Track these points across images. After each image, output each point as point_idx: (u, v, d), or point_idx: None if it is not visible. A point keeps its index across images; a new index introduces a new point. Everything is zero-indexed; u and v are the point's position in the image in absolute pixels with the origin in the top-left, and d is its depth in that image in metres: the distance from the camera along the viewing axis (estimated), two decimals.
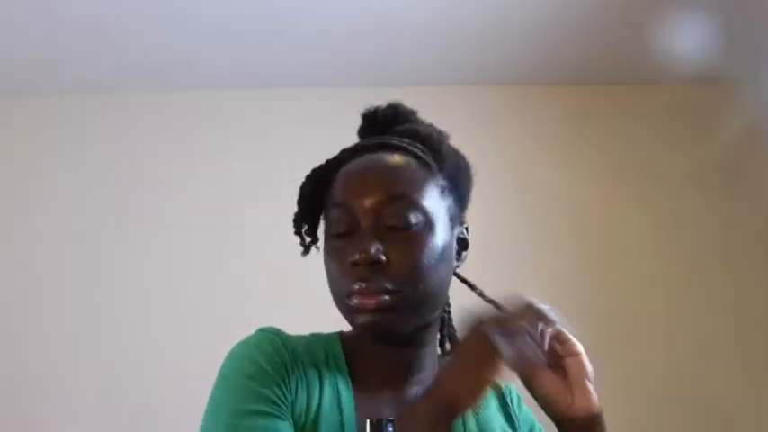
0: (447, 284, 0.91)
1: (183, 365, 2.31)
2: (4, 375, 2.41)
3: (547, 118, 2.66)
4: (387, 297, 0.83)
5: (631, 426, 2.34)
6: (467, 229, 0.96)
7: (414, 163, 0.89)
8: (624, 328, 2.47)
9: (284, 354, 0.85)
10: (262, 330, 0.89)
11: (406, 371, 0.90)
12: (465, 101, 2.61)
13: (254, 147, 2.62)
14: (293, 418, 0.82)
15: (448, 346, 0.98)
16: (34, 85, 2.59)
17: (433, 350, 0.94)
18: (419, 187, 0.87)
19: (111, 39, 2.37)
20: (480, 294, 0.92)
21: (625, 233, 2.59)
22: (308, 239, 0.94)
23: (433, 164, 0.91)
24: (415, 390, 0.90)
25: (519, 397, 1.01)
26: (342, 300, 0.86)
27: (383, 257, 0.83)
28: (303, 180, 0.93)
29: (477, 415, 0.94)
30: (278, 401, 0.82)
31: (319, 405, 0.84)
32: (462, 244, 0.95)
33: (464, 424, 0.91)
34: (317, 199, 0.92)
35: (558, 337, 0.84)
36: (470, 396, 0.77)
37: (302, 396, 0.84)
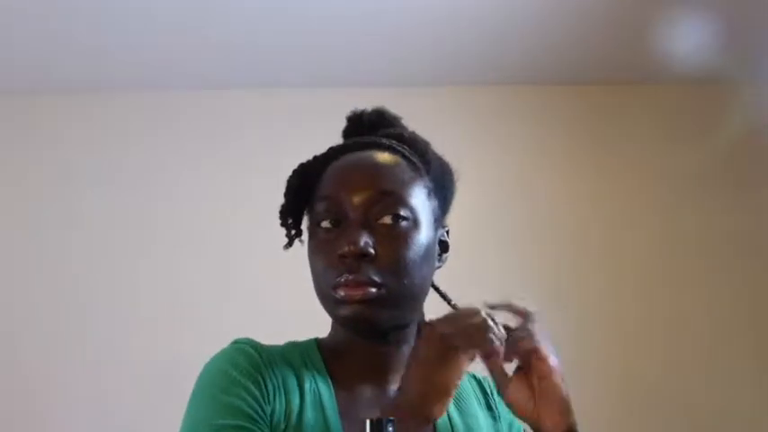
0: (429, 283, 0.92)
1: (172, 365, 2.30)
2: None
3: (547, 118, 2.66)
4: (373, 289, 0.84)
5: (635, 426, 2.36)
6: (447, 232, 0.97)
7: (403, 163, 0.91)
8: (628, 329, 2.47)
9: (258, 364, 0.85)
10: (235, 342, 0.89)
11: (386, 369, 0.91)
12: (465, 101, 2.61)
13: (244, 146, 2.62)
14: (272, 427, 0.82)
15: None
16: (22, 86, 2.59)
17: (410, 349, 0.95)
18: (408, 186, 0.89)
19: (104, 36, 2.37)
20: (452, 305, 0.92)
21: (626, 232, 2.59)
22: (292, 232, 0.94)
23: (421, 166, 0.92)
24: (396, 388, 0.90)
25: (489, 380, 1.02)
26: (326, 292, 0.87)
27: (372, 250, 0.84)
28: (290, 173, 0.93)
29: (460, 407, 0.94)
30: (254, 414, 0.81)
31: (300, 410, 0.84)
32: (443, 246, 0.95)
33: (449, 417, 0.92)
34: (304, 193, 0.92)
35: (537, 354, 0.83)
36: (436, 399, 0.78)
37: (280, 403, 0.84)
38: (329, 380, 0.89)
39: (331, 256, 0.86)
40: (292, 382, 0.86)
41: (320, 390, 0.87)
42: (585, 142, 2.66)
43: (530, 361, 0.83)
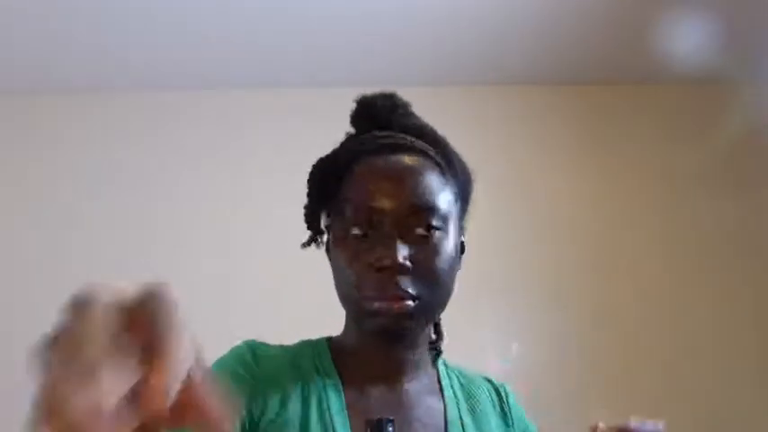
0: (454, 287, 0.91)
1: None
2: None
3: (547, 118, 2.66)
4: (410, 302, 0.83)
5: None
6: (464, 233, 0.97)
7: (432, 168, 0.89)
8: (628, 329, 2.47)
9: (252, 369, 0.84)
10: (235, 347, 0.88)
11: (399, 372, 0.90)
12: (465, 101, 2.61)
13: (244, 146, 2.62)
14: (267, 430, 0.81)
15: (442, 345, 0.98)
16: (22, 86, 2.59)
17: (425, 349, 0.94)
18: (440, 193, 0.87)
19: (104, 36, 2.37)
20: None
21: (626, 232, 2.59)
22: (318, 236, 0.93)
23: (447, 170, 0.91)
24: (411, 388, 0.90)
25: (512, 394, 1.01)
26: (357, 302, 0.85)
27: (409, 264, 0.83)
28: (313, 169, 0.91)
29: (473, 411, 0.93)
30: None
31: (305, 417, 0.83)
32: (462, 248, 0.95)
33: (461, 420, 0.91)
34: (326, 190, 0.90)
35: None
36: None
37: (274, 406, 0.83)
38: (339, 383, 0.87)
39: (365, 266, 0.84)
40: (295, 389, 0.85)
41: (329, 395, 0.86)
42: (585, 142, 2.66)
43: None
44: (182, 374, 0.39)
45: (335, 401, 0.85)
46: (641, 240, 2.58)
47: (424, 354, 0.93)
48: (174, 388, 0.38)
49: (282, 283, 2.35)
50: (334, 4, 2.25)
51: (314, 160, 0.93)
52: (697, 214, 2.56)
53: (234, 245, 2.52)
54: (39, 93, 2.62)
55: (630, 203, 2.61)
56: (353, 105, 0.95)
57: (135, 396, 0.37)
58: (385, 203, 0.85)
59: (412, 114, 0.97)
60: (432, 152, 0.90)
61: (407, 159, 0.88)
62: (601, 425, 0.83)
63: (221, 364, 0.86)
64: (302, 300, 2.15)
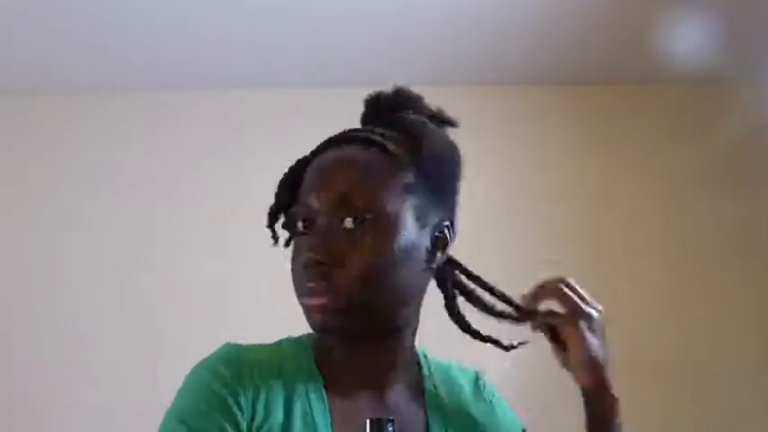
0: (411, 286, 0.86)
1: (172, 365, 2.30)
2: None
3: (547, 118, 2.66)
4: (327, 300, 0.80)
5: (643, 428, 2.35)
6: (448, 227, 0.89)
7: (376, 158, 0.84)
8: (628, 328, 2.46)
9: (239, 376, 0.82)
10: (213, 355, 0.86)
11: (381, 375, 0.88)
12: (465, 101, 2.59)
13: (244, 146, 2.62)
14: None
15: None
16: (22, 86, 2.59)
17: (410, 350, 0.92)
18: (376, 185, 0.82)
19: (104, 36, 2.37)
20: (490, 290, 0.93)
21: (626, 232, 2.59)
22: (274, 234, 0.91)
23: (405, 158, 0.85)
24: (395, 391, 0.88)
25: (490, 384, 1.00)
26: (299, 299, 0.85)
27: (326, 260, 0.80)
28: (281, 176, 0.90)
29: (456, 417, 0.91)
30: None
31: (287, 425, 0.81)
32: (440, 243, 0.88)
33: (438, 400, 0.90)
34: (290, 194, 0.88)
35: (562, 319, 0.94)
36: None
37: (260, 413, 0.81)
38: (323, 389, 0.85)
39: (298, 262, 0.83)
40: (277, 396, 0.83)
41: (311, 401, 0.84)
42: (585, 142, 2.66)
43: (558, 328, 0.93)
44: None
45: (319, 412, 0.83)
46: (641, 240, 2.58)
47: (408, 354, 0.91)
48: None
49: (282, 284, 2.34)
50: (335, 4, 2.25)
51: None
52: (697, 214, 2.56)
53: (234, 245, 2.52)
54: (39, 93, 2.61)
55: (630, 203, 2.61)
56: (364, 103, 0.94)
57: None
58: (315, 198, 0.83)
59: (420, 107, 0.93)
60: (387, 141, 0.85)
61: (345, 151, 0.85)
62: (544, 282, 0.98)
63: (198, 378, 0.83)
64: None
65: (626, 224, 2.59)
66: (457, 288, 0.95)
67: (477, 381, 0.99)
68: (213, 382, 0.81)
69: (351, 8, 2.26)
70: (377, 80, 2.77)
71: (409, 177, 0.85)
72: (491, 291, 0.94)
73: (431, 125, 0.90)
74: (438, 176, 0.88)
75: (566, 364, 0.94)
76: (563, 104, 2.66)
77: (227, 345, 0.87)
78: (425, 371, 0.94)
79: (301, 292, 0.83)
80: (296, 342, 0.91)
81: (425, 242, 0.86)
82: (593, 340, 0.91)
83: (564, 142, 2.65)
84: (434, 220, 0.87)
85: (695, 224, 2.56)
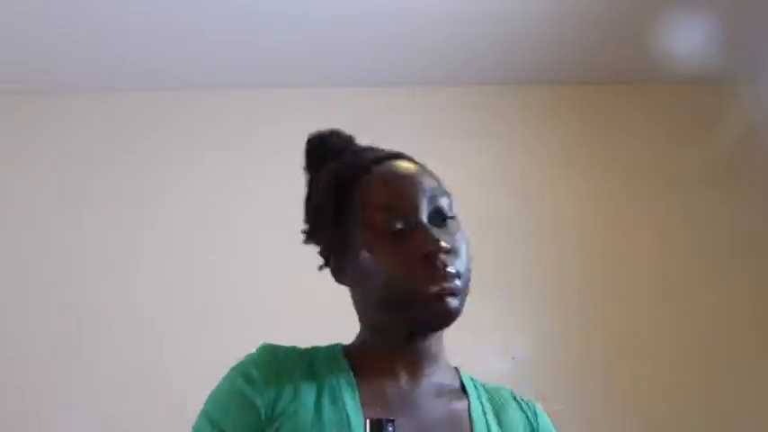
0: None
1: (172, 365, 2.31)
2: None
3: (547, 118, 2.66)
4: (458, 282, 0.88)
5: (637, 427, 2.35)
6: None
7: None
8: (628, 328, 2.47)
9: (268, 376, 0.86)
10: (248, 356, 0.90)
11: (421, 364, 0.92)
12: (465, 101, 2.61)
13: (244, 146, 2.62)
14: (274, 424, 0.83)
15: None
16: (22, 86, 2.59)
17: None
18: (444, 189, 0.96)
19: (104, 36, 2.38)
20: None
21: (626, 232, 2.59)
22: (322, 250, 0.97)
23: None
24: (432, 381, 0.92)
25: (542, 413, 1.00)
26: (416, 292, 0.87)
27: (451, 249, 0.89)
28: (327, 186, 0.94)
29: (500, 420, 0.93)
30: None
31: (318, 405, 0.85)
32: None
33: (487, 426, 0.91)
34: (337, 208, 0.93)
35: None
36: None
37: (286, 399, 0.85)
38: (353, 379, 0.89)
39: (411, 257, 0.87)
40: (308, 382, 0.87)
41: (342, 386, 0.88)
42: (585, 142, 2.66)
43: None
44: None
45: (348, 391, 0.87)
46: (641, 240, 2.58)
47: (443, 346, 0.96)
48: None
49: (282, 284, 2.35)
50: (335, 4, 2.25)
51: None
52: (697, 214, 2.56)
53: (234, 245, 2.52)
54: (39, 93, 2.62)
55: (630, 203, 2.61)
56: (305, 145, 1.01)
57: None
58: (416, 199, 0.91)
59: (356, 145, 1.02)
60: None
61: (411, 162, 0.97)
62: None
63: (226, 387, 0.88)
64: (303, 300, 2.15)
65: (626, 224, 2.59)
66: None
67: (523, 401, 1.00)
68: (243, 385, 0.86)
69: (351, 8, 2.26)
70: (377, 80, 2.78)
71: None
72: None
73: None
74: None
75: None
76: (563, 104, 2.66)
77: (263, 345, 0.92)
78: (465, 379, 0.98)
79: (429, 279, 0.87)
80: (325, 347, 0.95)
81: None
82: None
83: (564, 142, 2.65)
84: None
85: (695, 224, 2.56)
